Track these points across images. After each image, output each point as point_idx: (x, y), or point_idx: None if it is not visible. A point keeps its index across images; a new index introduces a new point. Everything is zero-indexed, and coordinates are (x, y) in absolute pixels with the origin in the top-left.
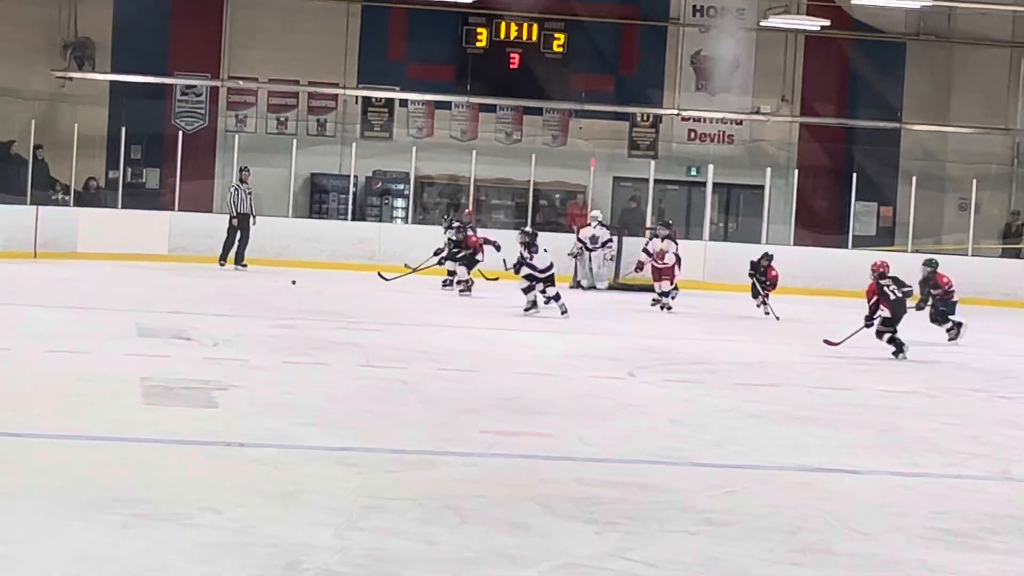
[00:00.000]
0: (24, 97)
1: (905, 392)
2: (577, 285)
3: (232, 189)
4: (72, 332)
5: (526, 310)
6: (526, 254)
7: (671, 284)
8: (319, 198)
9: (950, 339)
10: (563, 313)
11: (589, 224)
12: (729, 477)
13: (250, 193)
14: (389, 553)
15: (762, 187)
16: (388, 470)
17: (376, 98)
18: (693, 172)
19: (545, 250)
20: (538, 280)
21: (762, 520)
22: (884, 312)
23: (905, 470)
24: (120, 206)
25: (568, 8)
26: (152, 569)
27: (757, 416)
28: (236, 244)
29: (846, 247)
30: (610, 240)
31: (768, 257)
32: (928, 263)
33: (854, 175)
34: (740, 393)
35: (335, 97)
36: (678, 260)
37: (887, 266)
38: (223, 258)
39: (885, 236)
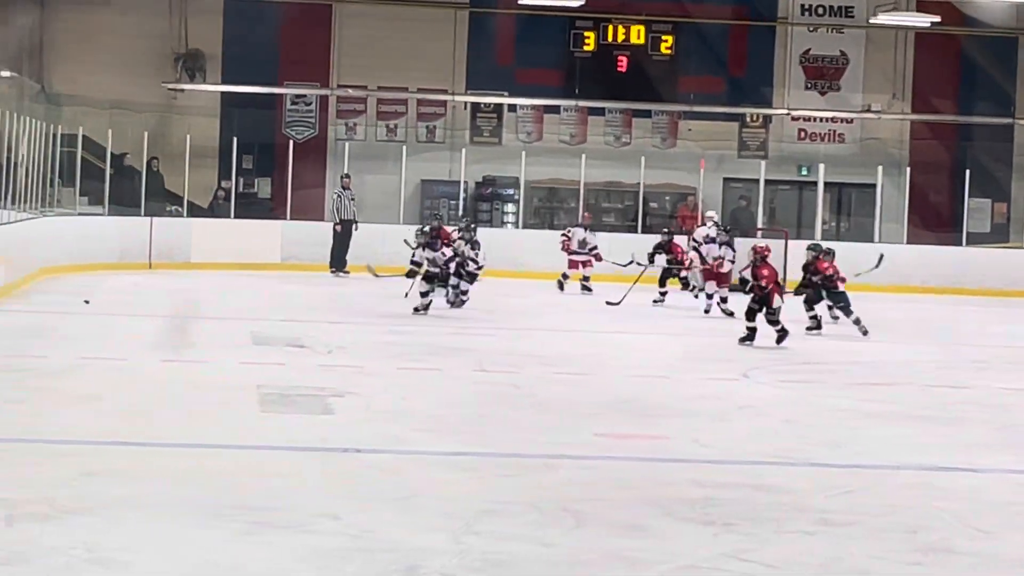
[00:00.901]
0: (136, 109)
1: (1020, 390)
2: (688, 287)
3: (335, 196)
4: (187, 342)
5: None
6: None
7: (726, 289)
8: (429, 204)
9: (862, 333)
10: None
11: (704, 224)
12: (847, 477)
13: (353, 199)
14: (506, 556)
15: (874, 185)
16: (504, 474)
17: (485, 104)
18: (804, 172)
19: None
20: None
21: (881, 520)
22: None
23: None
24: (232, 216)
25: (676, 10)
26: (273, 575)
27: (874, 415)
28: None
29: (960, 244)
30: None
31: (819, 250)
32: (812, 248)
33: (967, 171)
34: (856, 393)
35: (444, 103)
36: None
37: (769, 250)
38: (333, 265)
39: (1000, 233)
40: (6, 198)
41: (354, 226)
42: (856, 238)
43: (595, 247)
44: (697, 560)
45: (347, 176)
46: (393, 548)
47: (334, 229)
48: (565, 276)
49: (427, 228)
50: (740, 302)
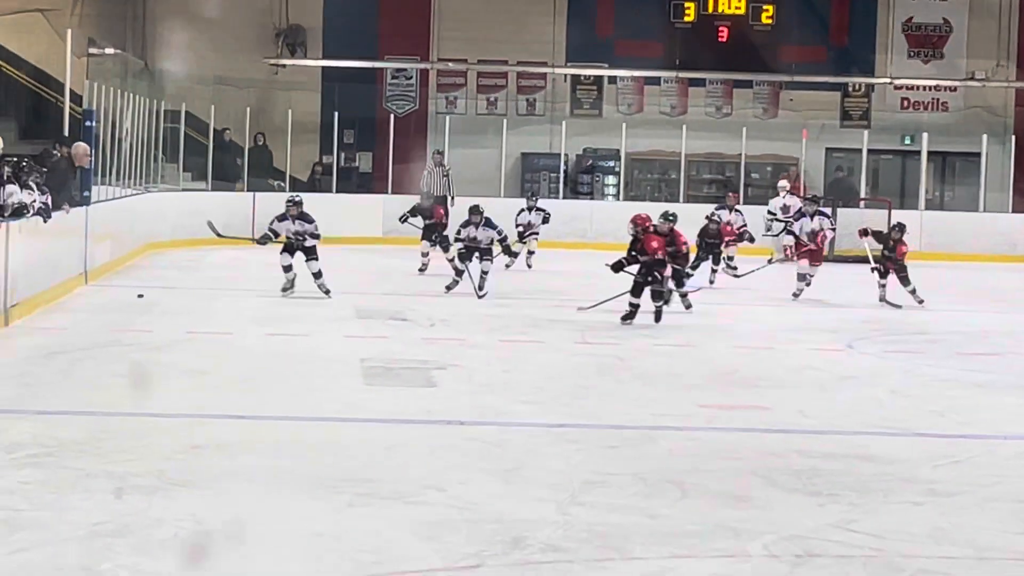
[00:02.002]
0: (238, 85)
1: None
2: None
3: (426, 173)
4: (291, 316)
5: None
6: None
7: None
8: (530, 177)
9: (685, 307)
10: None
11: (779, 194)
12: (953, 447)
13: (446, 175)
14: (612, 528)
15: (979, 154)
16: (608, 445)
17: (585, 76)
18: (907, 141)
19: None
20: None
21: (989, 490)
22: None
23: None
24: (334, 191)
25: None
26: (381, 547)
27: (980, 385)
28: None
29: None
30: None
31: (900, 229)
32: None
33: None
34: (961, 362)
35: (544, 76)
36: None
37: (649, 220)
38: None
39: None
40: (111, 174)
41: (450, 202)
42: (960, 207)
43: (743, 226)
44: (802, 531)
45: (439, 152)
46: (498, 519)
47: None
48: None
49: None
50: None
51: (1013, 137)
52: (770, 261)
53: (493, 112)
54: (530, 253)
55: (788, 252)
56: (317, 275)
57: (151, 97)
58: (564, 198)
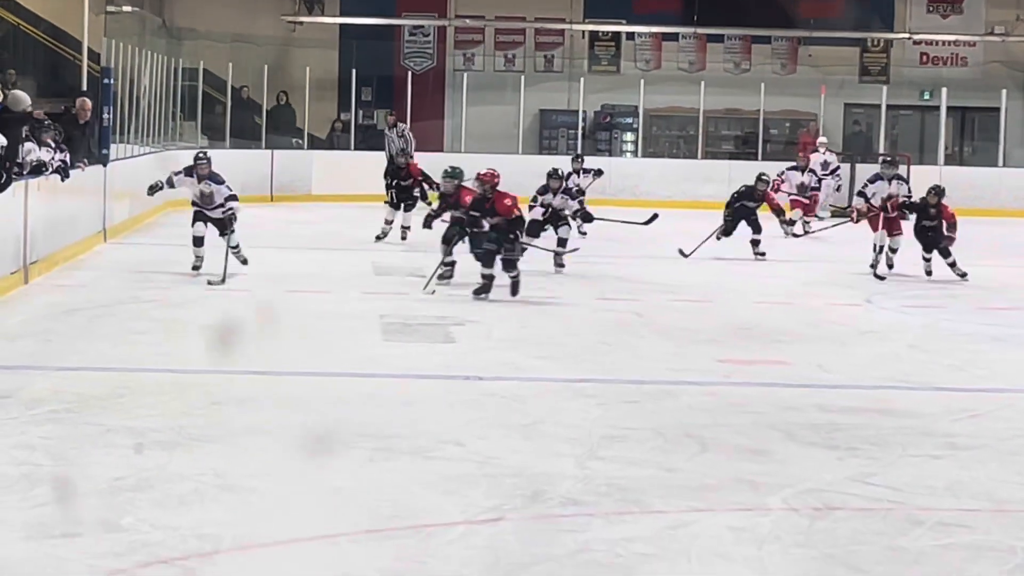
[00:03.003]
0: (256, 43)
1: None
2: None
3: (385, 137)
4: (310, 273)
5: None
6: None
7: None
8: (548, 134)
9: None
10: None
11: (818, 150)
12: (972, 401)
13: (403, 136)
14: (631, 481)
15: (998, 109)
16: (627, 400)
17: (603, 32)
18: (926, 96)
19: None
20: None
21: (1008, 443)
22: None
23: None
24: (353, 148)
25: None
26: (400, 501)
27: (999, 339)
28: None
29: None
30: (838, 167)
31: (939, 192)
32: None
33: None
34: (981, 317)
35: (562, 32)
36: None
37: (498, 176)
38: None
39: None
40: (130, 132)
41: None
42: (980, 163)
43: (817, 188)
44: (822, 484)
45: (391, 114)
46: (518, 473)
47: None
48: (791, 221)
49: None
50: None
51: None
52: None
53: (511, 69)
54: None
55: (855, 214)
56: (236, 249)
57: (169, 55)
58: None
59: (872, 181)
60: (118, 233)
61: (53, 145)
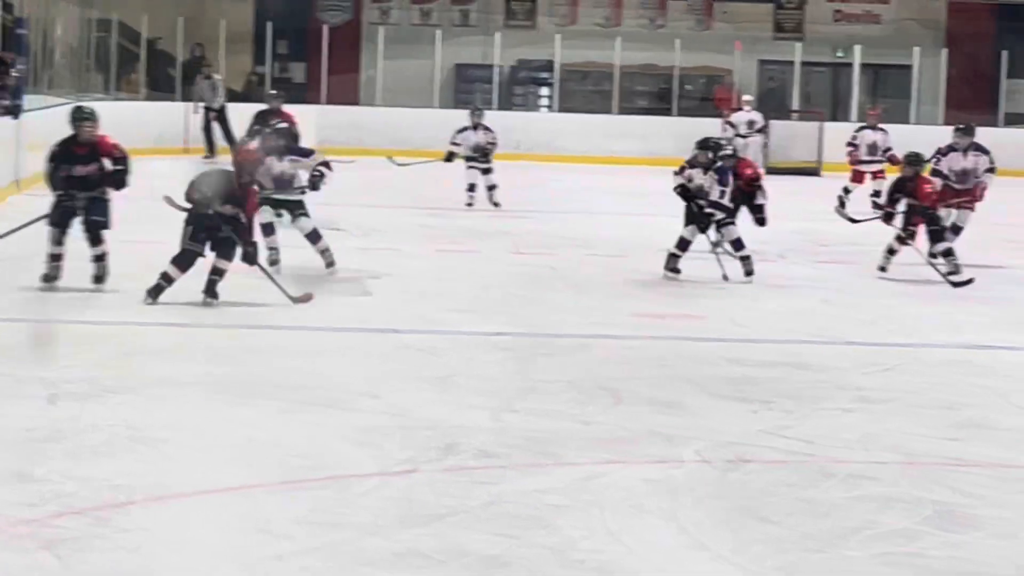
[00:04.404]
0: None
1: None
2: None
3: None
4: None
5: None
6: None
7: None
8: (464, 88)
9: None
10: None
11: (743, 108)
12: (884, 355)
13: (214, 88)
14: (545, 434)
15: (911, 67)
16: (541, 353)
17: None
18: (839, 54)
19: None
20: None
21: (919, 396)
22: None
23: None
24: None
25: None
26: (315, 453)
27: (911, 295)
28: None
29: (998, 126)
30: (765, 125)
31: (914, 161)
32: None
33: (1004, 52)
34: (892, 272)
35: None
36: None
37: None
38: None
39: None
40: (42, 83)
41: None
42: (893, 120)
43: (889, 148)
44: (735, 436)
45: (207, 64)
46: (433, 426)
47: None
48: (847, 191)
49: None
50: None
51: (945, 50)
52: None
53: (427, 23)
54: (491, 189)
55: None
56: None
57: (82, 5)
58: (498, 110)
59: (946, 154)
60: (32, 184)
61: None
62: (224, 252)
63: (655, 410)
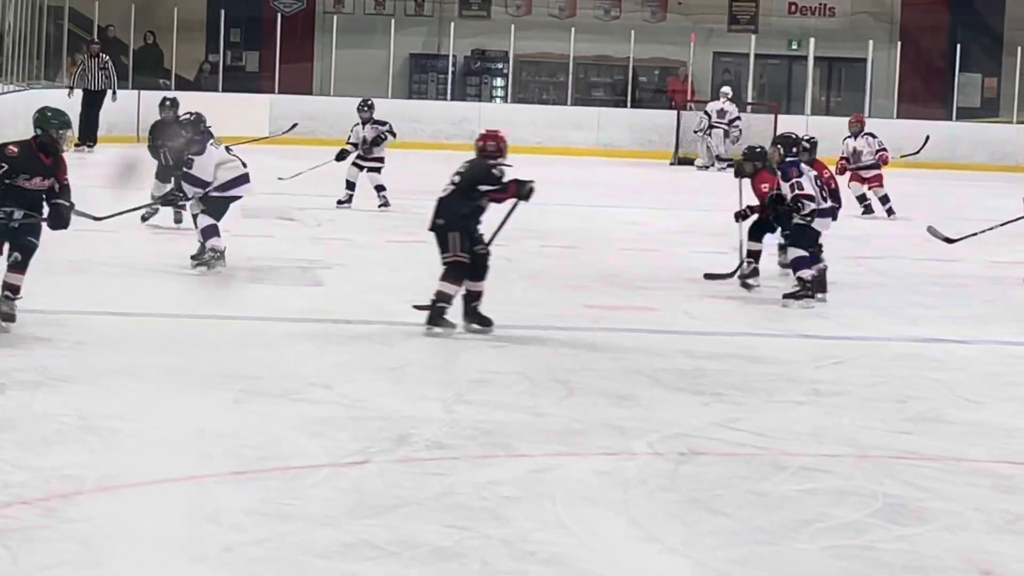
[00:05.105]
0: None
1: (1012, 263)
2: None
3: (79, 67)
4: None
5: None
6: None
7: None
8: (418, 78)
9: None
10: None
11: (718, 99)
12: (836, 348)
13: (104, 67)
14: (498, 426)
15: (865, 60)
16: (494, 345)
17: None
18: (794, 46)
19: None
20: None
21: (871, 390)
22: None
23: (1015, 339)
24: (220, 90)
25: None
26: (266, 443)
27: (863, 287)
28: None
29: (950, 119)
30: (738, 118)
31: (753, 156)
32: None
33: (958, 46)
34: (846, 266)
35: None
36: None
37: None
38: (81, 138)
39: (990, 108)
40: None
41: (112, 96)
42: (846, 113)
43: (881, 150)
44: (687, 429)
45: (94, 43)
46: (385, 416)
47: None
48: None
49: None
50: None
51: (899, 43)
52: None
53: (381, 12)
54: (380, 190)
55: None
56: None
57: None
58: (452, 99)
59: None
60: None
61: None
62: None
63: (608, 402)
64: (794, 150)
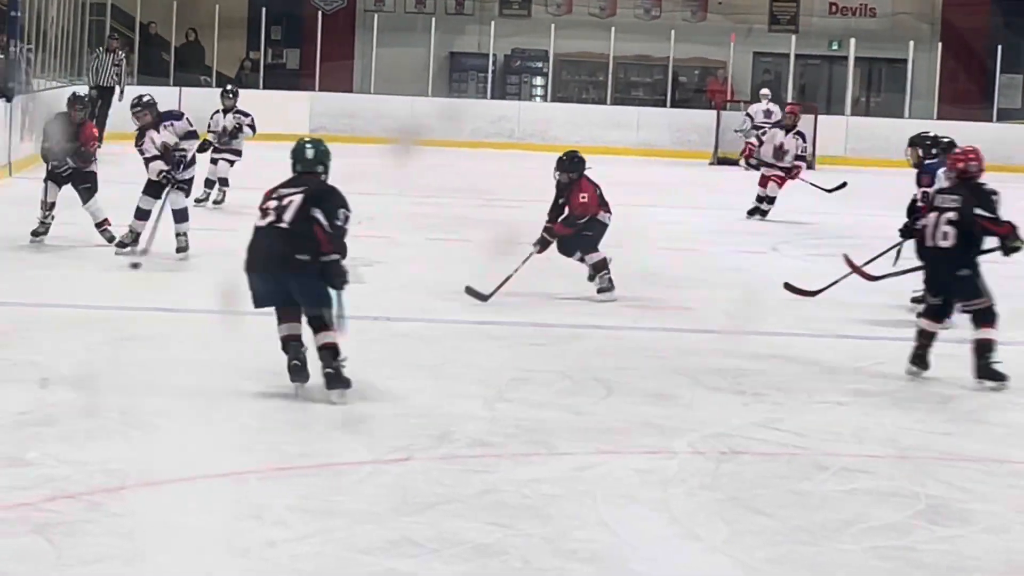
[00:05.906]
0: None
1: None
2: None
3: (95, 61)
4: (208, 211)
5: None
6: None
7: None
8: (458, 77)
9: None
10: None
11: (759, 100)
12: (877, 349)
13: (118, 64)
14: (538, 423)
15: (906, 60)
16: (534, 343)
17: None
18: (834, 47)
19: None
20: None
21: (913, 391)
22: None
23: None
24: (261, 87)
25: None
26: (308, 440)
27: (903, 290)
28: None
29: (991, 120)
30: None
31: (568, 167)
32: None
33: (999, 47)
34: (884, 267)
35: None
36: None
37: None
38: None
39: None
40: (36, 66)
41: (118, 95)
42: (886, 114)
43: (802, 156)
44: (728, 428)
45: (112, 38)
46: (426, 414)
47: (90, 94)
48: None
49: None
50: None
51: (940, 44)
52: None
53: (422, 10)
54: (222, 183)
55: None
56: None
57: None
58: (492, 98)
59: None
60: (24, 167)
61: None
62: None
63: (647, 401)
64: (933, 151)
